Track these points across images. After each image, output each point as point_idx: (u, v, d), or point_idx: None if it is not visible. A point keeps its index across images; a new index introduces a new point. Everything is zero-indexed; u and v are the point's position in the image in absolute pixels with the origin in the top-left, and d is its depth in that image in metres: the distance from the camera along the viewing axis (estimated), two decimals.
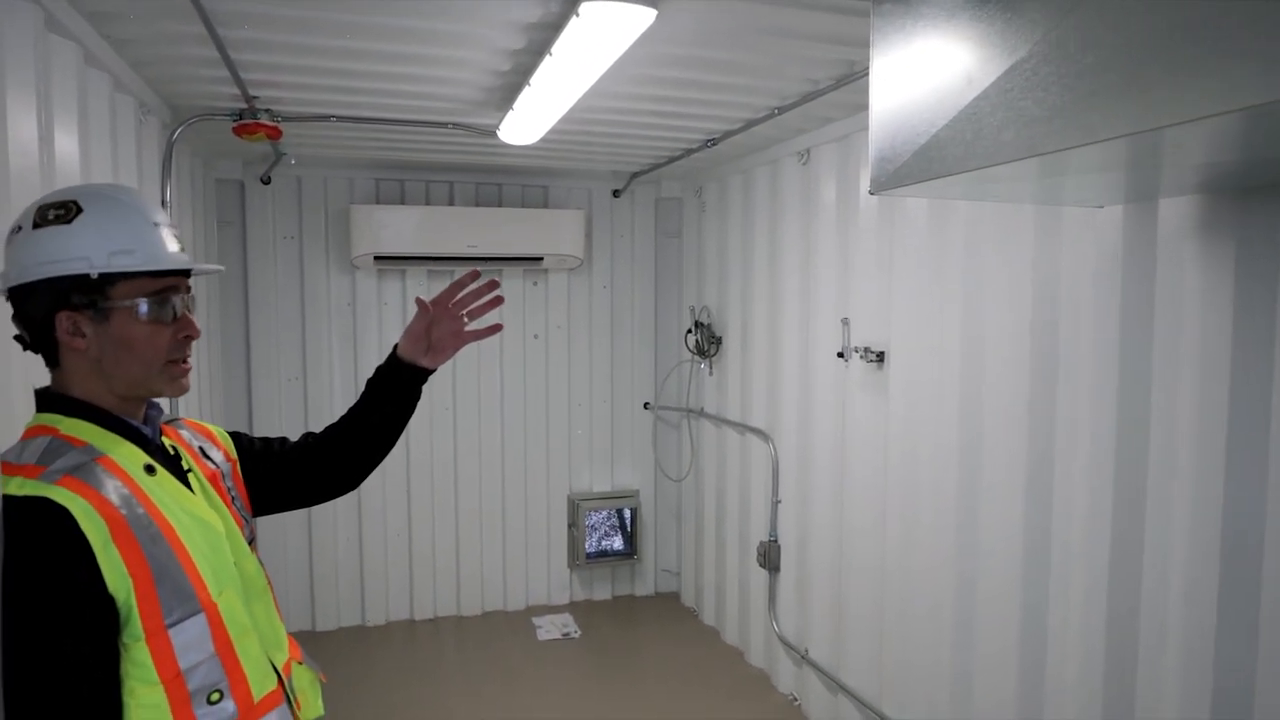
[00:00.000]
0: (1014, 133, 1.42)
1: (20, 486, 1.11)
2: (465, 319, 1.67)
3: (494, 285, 1.66)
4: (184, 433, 1.45)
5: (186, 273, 1.31)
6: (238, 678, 1.26)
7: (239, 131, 3.24)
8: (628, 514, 5.03)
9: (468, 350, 4.84)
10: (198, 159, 3.84)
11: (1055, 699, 2.39)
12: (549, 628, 4.70)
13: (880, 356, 3.12)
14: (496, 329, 1.70)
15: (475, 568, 4.90)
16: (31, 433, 1.22)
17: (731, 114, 3.33)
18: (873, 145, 1.77)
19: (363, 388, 1.69)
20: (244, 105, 3.15)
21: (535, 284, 4.89)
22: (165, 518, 1.21)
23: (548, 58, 2.34)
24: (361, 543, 4.71)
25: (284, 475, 1.62)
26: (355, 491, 4.56)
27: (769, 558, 3.94)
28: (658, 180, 4.94)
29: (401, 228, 4.34)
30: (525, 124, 3.11)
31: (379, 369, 1.68)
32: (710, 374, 4.63)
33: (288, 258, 4.52)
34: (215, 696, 1.22)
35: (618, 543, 5.05)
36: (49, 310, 1.21)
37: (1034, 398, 2.44)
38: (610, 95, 2.99)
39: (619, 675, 4.17)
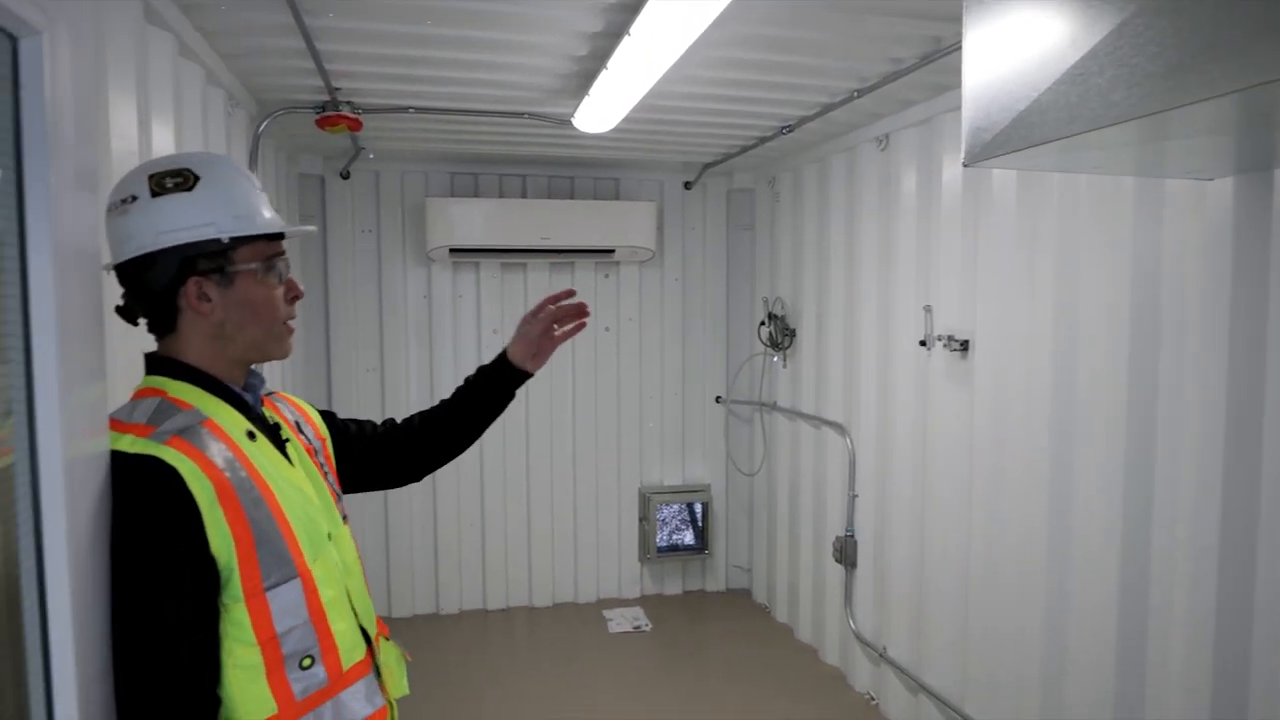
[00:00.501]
0: (1125, 92, 1.34)
1: (132, 444, 1.14)
2: (555, 327, 1.74)
3: (584, 306, 1.75)
4: (281, 405, 1.48)
5: (282, 237, 1.34)
6: (329, 645, 1.27)
7: (322, 124, 3.31)
8: (699, 508, 4.99)
9: None
10: (281, 153, 3.94)
11: (1158, 702, 2.27)
12: (620, 620, 4.69)
13: (964, 345, 3.02)
14: (583, 326, 1.77)
15: (547, 559, 4.93)
16: (141, 394, 1.25)
17: (808, 98, 3.27)
18: (966, 116, 1.70)
19: (440, 380, 1.77)
20: (326, 98, 3.22)
21: (607, 276, 4.89)
22: (266, 483, 1.23)
23: (626, 39, 2.32)
24: (436, 532, 4.78)
25: (373, 458, 1.67)
26: (430, 481, 4.59)
27: (845, 553, 3.85)
28: (730, 171, 4.89)
29: (475, 220, 4.39)
30: (600, 110, 3.10)
31: (484, 369, 1.75)
32: (784, 366, 4.56)
33: (366, 251, 4.61)
34: (307, 662, 1.23)
35: (689, 537, 5.01)
36: (177, 278, 1.22)
37: (1133, 388, 2.32)
38: (685, 80, 2.96)
39: (690, 670, 4.14)
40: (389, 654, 1.46)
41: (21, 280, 0.98)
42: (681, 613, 4.87)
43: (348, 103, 3.29)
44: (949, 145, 3.11)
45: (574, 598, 5.00)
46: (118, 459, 1.13)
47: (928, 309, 3.19)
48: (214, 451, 1.18)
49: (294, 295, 1.35)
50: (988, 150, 1.66)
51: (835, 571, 4.00)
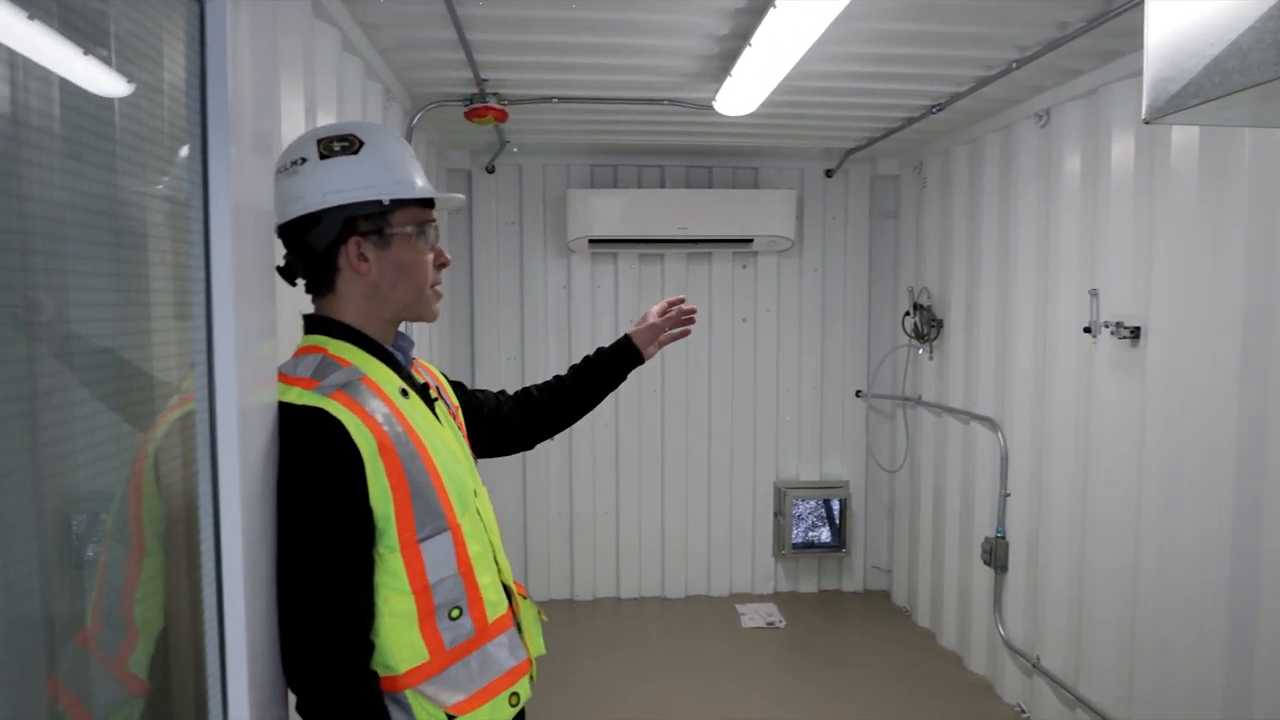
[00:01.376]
0: None
1: (299, 396, 1.20)
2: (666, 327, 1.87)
3: (694, 310, 1.89)
4: (422, 371, 1.52)
5: (433, 205, 1.38)
6: (475, 598, 1.30)
7: (470, 115, 3.42)
8: (836, 505, 4.85)
9: None
10: (432, 148, 4.10)
11: None
12: (753, 615, 4.62)
13: (1135, 332, 2.79)
14: (688, 333, 1.89)
15: (680, 551, 4.92)
16: (303, 351, 1.31)
17: (961, 72, 3.10)
18: (1150, 68, 1.55)
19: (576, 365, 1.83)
20: (475, 90, 3.33)
21: (745, 267, 4.83)
22: (420, 438, 1.27)
23: (771, 11, 2.27)
24: (572, 519, 4.86)
25: (496, 428, 1.72)
26: (566, 469, 4.68)
27: (995, 555, 3.64)
28: (873, 158, 4.73)
29: (614, 211, 4.43)
30: (743, 91, 3.04)
31: (604, 351, 1.82)
32: (930, 359, 4.37)
33: (508, 243, 4.75)
34: (455, 613, 1.27)
35: (825, 534, 4.88)
36: (339, 237, 1.27)
37: None
38: (829, 58, 2.88)
39: (826, 671, 4.02)
40: (528, 613, 1.49)
41: (205, 241, 1.04)
42: (817, 612, 4.74)
43: (495, 94, 3.38)
44: (1119, 116, 2.88)
45: (707, 591, 4.96)
46: (286, 410, 1.19)
47: (1093, 293, 2.96)
48: (373, 407, 1.23)
49: (442, 262, 1.39)
50: (1174, 103, 1.50)
51: (983, 575, 3.79)
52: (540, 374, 4.67)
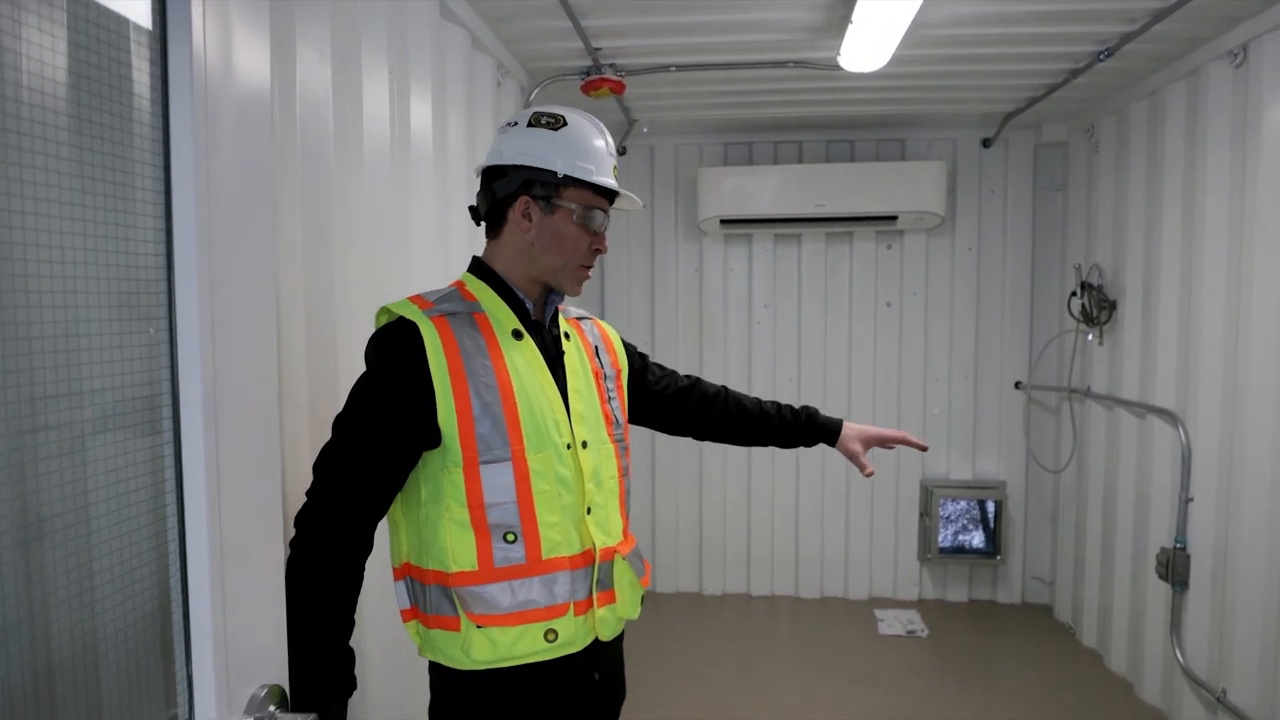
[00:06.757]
0: None
1: (408, 311, 1.38)
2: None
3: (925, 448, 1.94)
4: (587, 328, 1.64)
5: (612, 201, 1.52)
6: (530, 530, 1.38)
7: (586, 89, 3.33)
8: (991, 507, 4.41)
9: (814, 318, 4.74)
10: None
11: None
12: (892, 622, 4.28)
13: None
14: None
15: (815, 548, 4.65)
16: (453, 284, 1.51)
17: (1135, 4, 2.67)
18: None
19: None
20: (590, 62, 3.23)
21: (889, 247, 4.49)
22: (506, 372, 1.39)
23: None
24: (701, 510, 4.70)
25: (654, 409, 1.79)
26: (697, 459, 4.56)
27: (1173, 569, 3.15)
28: (1037, 123, 4.26)
29: (748, 189, 4.22)
30: (868, 40, 2.75)
31: (817, 419, 1.89)
32: (1100, 344, 3.87)
33: (639, 226, 4.64)
34: (510, 537, 1.37)
35: (977, 539, 4.45)
36: (513, 192, 1.45)
37: None
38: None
39: (972, 688, 3.63)
40: (622, 576, 1.49)
41: (166, 218, 0.93)
42: (966, 623, 4.33)
43: (610, 65, 3.28)
44: None
45: (843, 593, 4.66)
46: (390, 322, 1.39)
47: None
48: (466, 335, 1.39)
49: (598, 248, 1.51)
50: None
51: (1159, 591, 3.30)
52: (671, 360, 4.54)
